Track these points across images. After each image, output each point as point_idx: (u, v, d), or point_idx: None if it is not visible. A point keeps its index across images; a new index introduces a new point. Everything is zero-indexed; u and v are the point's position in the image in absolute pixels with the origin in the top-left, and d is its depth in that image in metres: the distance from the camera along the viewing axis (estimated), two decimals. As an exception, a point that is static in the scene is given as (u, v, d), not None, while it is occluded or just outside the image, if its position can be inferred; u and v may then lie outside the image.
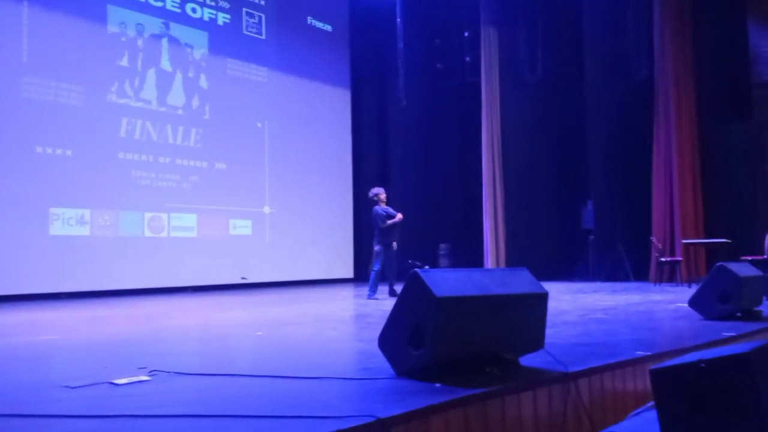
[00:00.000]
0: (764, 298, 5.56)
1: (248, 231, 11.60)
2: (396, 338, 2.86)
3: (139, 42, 10.29)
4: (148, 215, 10.22)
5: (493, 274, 3.02)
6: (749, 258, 8.20)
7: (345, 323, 5.75)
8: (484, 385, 2.61)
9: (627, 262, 10.86)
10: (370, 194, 8.65)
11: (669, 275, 10.28)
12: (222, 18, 11.47)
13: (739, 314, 4.96)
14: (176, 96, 10.71)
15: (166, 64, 10.61)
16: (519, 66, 12.37)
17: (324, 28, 13.26)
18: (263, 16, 12.12)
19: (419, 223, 12.75)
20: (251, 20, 11.92)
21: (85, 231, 9.48)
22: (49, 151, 9.15)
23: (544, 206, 12.07)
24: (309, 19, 12.98)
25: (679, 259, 10.01)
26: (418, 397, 2.43)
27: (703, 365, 2.26)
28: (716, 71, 10.70)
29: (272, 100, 12.09)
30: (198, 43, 11.07)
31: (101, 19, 9.83)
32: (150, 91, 10.37)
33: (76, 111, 9.43)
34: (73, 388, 2.75)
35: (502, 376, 2.80)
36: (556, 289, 9.17)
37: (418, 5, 13.25)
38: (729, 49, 10.58)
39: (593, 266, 11.44)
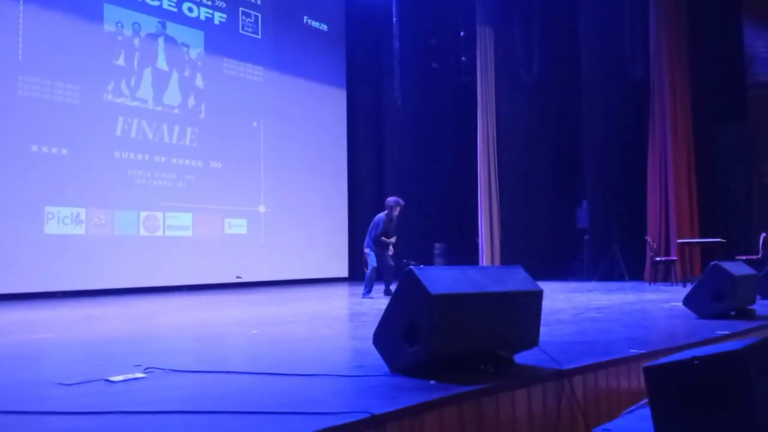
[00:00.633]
0: (758, 296, 5.58)
1: (243, 230, 11.60)
2: (391, 335, 2.87)
3: (136, 41, 10.27)
4: (143, 214, 10.21)
5: (488, 271, 3.03)
6: (744, 257, 8.24)
7: (340, 321, 5.76)
8: (478, 382, 2.62)
9: (622, 261, 10.88)
10: (387, 201, 8.64)
11: (664, 275, 10.30)
12: (218, 17, 11.46)
13: (733, 313, 4.99)
14: (172, 95, 10.70)
15: (162, 63, 10.60)
16: (515, 66, 12.39)
17: (320, 27, 13.26)
18: (259, 15, 12.12)
19: (415, 223, 12.77)
20: (247, 20, 11.92)
21: (80, 230, 9.47)
22: (45, 149, 9.13)
23: (539, 206, 12.10)
24: (305, 19, 12.98)
25: (674, 258, 10.04)
26: (412, 393, 2.44)
27: (696, 362, 2.28)
28: (712, 72, 10.74)
29: (268, 99, 12.09)
30: (194, 43, 11.06)
31: (98, 17, 9.81)
32: (146, 90, 10.36)
33: (71, 110, 9.42)
34: (68, 385, 2.75)
35: (496, 373, 2.81)
36: (551, 288, 9.20)
37: (414, 5, 13.27)
38: (724, 50, 10.62)
39: (588, 266, 11.47)
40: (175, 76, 10.75)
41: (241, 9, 11.82)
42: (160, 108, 10.50)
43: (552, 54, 12.25)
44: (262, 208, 11.90)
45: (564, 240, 11.98)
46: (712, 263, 5.14)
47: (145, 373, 3.00)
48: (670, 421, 2.26)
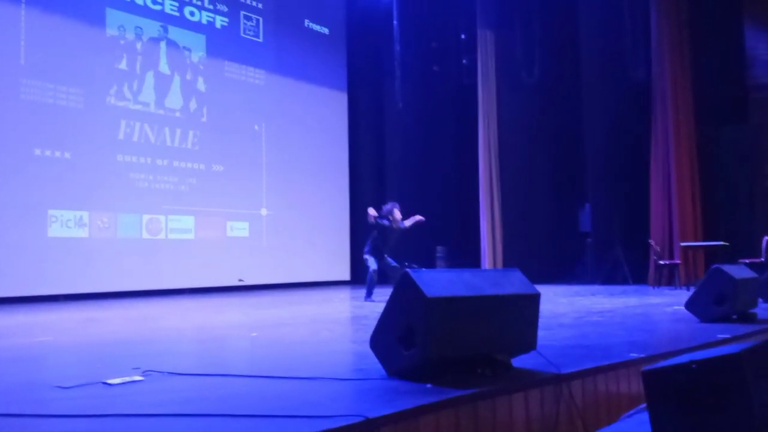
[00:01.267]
0: (760, 300, 5.56)
1: (245, 233, 11.60)
2: (387, 339, 2.86)
3: (138, 45, 10.30)
4: (146, 217, 10.22)
5: (485, 274, 3.03)
6: (747, 261, 8.21)
7: (340, 325, 5.75)
8: (475, 385, 2.61)
9: (625, 265, 10.85)
10: (384, 208, 8.68)
11: (668, 278, 10.28)
12: (220, 21, 11.49)
13: (734, 316, 4.97)
14: (174, 98, 10.72)
15: (164, 66, 10.63)
16: (516, 69, 12.38)
17: (321, 31, 13.28)
18: (261, 19, 12.15)
19: (416, 226, 12.75)
20: (249, 23, 11.94)
21: (83, 233, 9.48)
22: (48, 153, 9.15)
23: (541, 209, 12.08)
24: (306, 22, 13.00)
25: (678, 262, 10.01)
26: (408, 397, 2.43)
27: (694, 366, 2.27)
28: (713, 74, 10.73)
29: (269, 102, 12.11)
30: (196, 46, 11.09)
31: (100, 22, 9.84)
32: (148, 94, 10.38)
33: (74, 113, 9.44)
34: (65, 388, 2.75)
35: (493, 377, 2.80)
36: (553, 292, 9.18)
37: (415, 8, 13.28)
38: (726, 52, 10.60)
39: (591, 269, 11.44)
40: (176, 79, 10.77)
41: (242, 13, 11.85)
42: (162, 111, 10.52)
43: (553, 56, 12.25)
44: (264, 211, 11.90)
45: (566, 243, 11.96)
46: (713, 266, 5.12)
47: (143, 375, 3.00)
48: (669, 425, 2.25)
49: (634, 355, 3.41)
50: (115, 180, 9.83)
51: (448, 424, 2.40)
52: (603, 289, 9.96)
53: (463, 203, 13.09)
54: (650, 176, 10.70)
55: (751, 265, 6.25)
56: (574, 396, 2.94)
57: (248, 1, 11.95)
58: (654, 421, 2.29)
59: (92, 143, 9.59)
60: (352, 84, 13.79)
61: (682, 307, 5.50)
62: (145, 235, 10.19)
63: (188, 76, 10.93)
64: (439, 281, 2.77)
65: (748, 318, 5.06)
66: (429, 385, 2.63)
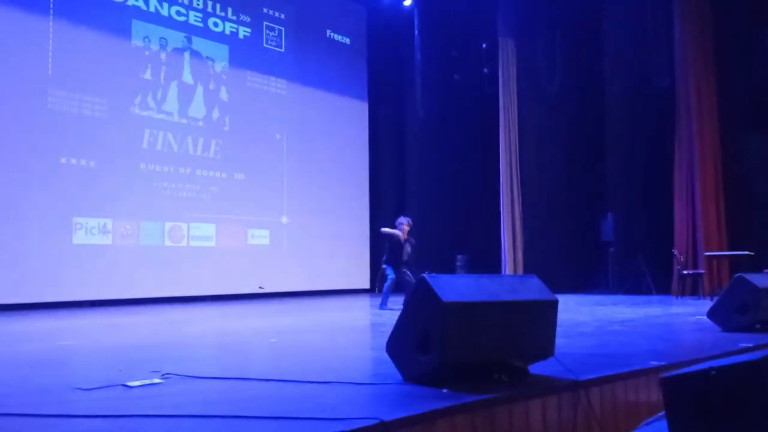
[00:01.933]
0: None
1: (266, 241, 11.68)
2: (404, 344, 2.87)
3: (162, 55, 10.47)
4: (168, 225, 10.35)
5: (502, 280, 3.02)
6: (772, 270, 8.06)
7: (358, 331, 5.76)
8: (491, 391, 2.60)
9: (648, 274, 10.71)
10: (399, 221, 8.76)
11: (691, 288, 10.12)
12: (243, 32, 11.64)
13: (757, 326, 4.88)
14: (197, 108, 10.87)
15: (187, 76, 10.78)
16: (537, 77, 12.33)
17: (342, 41, 13.38)
18: (283, 29, 12.28)
19: (436, 235, 12.75)
20: (271, 33, 12.08)
21: (107, 240, 9.63)
22: (74, 161, 9.32)
23: (562, 218, 11.98)
24: (328, 32, 13.11)
25: (702, 271, 9.86)
26: (424, 401, 2.44)
27: (713, 373, 2.24)
28: (738, 81, 10.57)
29: (291, 112, 12.21)
30: (219, 56, 11.24)
31: (126, 33, 10.03)
32: (172, 104, 10.53)
33: (99, 123, 9.61)
34: (86, 390, 2.80)
35: (510, 383, 2.79)
36: (574, 301, 9.10)
37: (436, 18, 13.32)
38: (750, 59, 10.45)
39: (613, 279, 11.31)
40: (200, 89, 10.92)
41: (265, 23, 11.99)
42: (185, 121, 10.67)
43: (575, 65, 12.18)
44: (284, 219, 11.98)
45: (588, 253, 11.84)
46: (736, 275, 5.05)
47: (162, 378, 3.04)
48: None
49: (654, 363, 3.37)
50: (138, 188, 9.97)
51: (464, 429, 2.40)
52: (625, 299, 9.84)
53: (484, 212, 13.05)
54: (674, 185, 10.57)
55: (776, 275, 6.13)
56: (592, 403, 2.91)
57: (271, 12, 12.10)
58: (672, 429, 2.26)
59: (116, 152, 9.75)
60: (373, 93, 13.86)
61: (705, 317, 5.42)
62: (168, 243, 10.31)
63: (211, 86, 11.07)
64: (455, 286, 2.77)
65: (772, 327, 4.96)
66: (445, 390, 2.62)
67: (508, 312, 2.81)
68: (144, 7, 10.25)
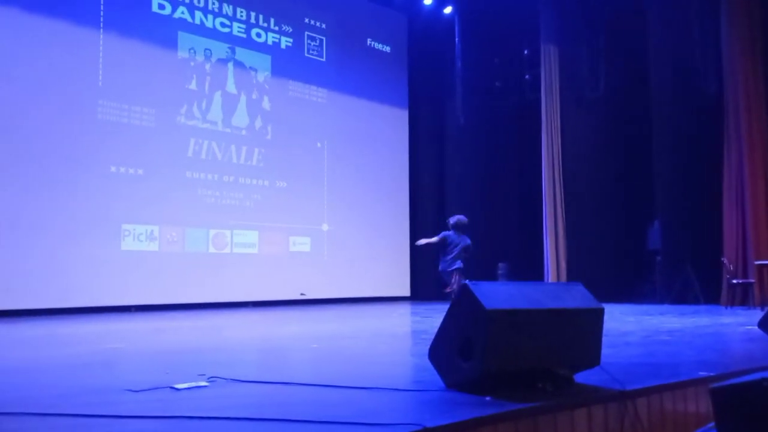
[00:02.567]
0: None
1: (307, 248, 11.80)
2: (446, 350, 2.86)
3: (207, 66, 10.71)
4: (212, 232, 10.55)
5: (546, 288, 2.99)
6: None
7: (399, 338, 5.76)
8: (535, 399, 2.57)
9: (697, 284, 10.42)
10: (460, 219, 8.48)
11: (741, 298, 9.80)
12: (285, 42, 11.82)
13: (814, 337, 4.71)
14: (240, 117, 11.07)
15: (231, 87, 11.00)
16: (580, 83, 12.17)
17: (383, 49, 13.46)
18: (324, 39, 12.42)
19: (477, 243, 12.62)
20: (312, 43, 12.23)
21: (154, 247, 9.86)
22: (123, 170, 9.59)
23: (608, 225, 11.75)
24: (368, 41, 13.21)
25: (752, 281, 9.55)
26: (466, 408, 2.42)
27: (765, 384, 2.18)
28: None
29: (331, 120, 12.33)
30: (262, 66, 11.43)
31: (172, 45, 10.29)
32: (216, 113, 10.75)
33: (147, 132, 9.88)
34: (135, 391, 2.87)
35: (554, 391, 2.75)
36: (620, 311, 8.92)
37: (477, 25, 13.29)
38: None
39: (661, 288, 11.03)
40: (243, 99, 11.12)
41: (306, 33, 12.16)
42: (228, 130, 10.88)
43: (619, 70, 11.98)
44: (325, 227, 12.08)
45: (634, 261, 11.59)
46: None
47: (208, 381, 3.09)
48: (738, 444, 2.17)
49: (703, 373, 3.28)
50: (183, 196, 10.20)
51: (507, 437, 2.37)
52: (672, 308, 9.60)
53: (526, 219, 12.92)
54: (723, 191, 10.27)
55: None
56: (639, 414, 2.85)
57: (312, 22, 12.26)
58: (723, 441, 2.20)
59: (163, 160, 9.99)
60: (413, 101, 13.89)
61: (756, 327, 5.24)
62: (212, 249, 10.50)
63: (254, 96, 11.27)
64: (498, 293, 2.75)
65: (829, 339, 4.78)
66: (488, 398, 2.60)
67: (551, 320, 2.78)
68: (189, 19, 10.51)
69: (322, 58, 12.37)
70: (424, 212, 13.59)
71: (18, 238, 8.46)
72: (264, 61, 11.49)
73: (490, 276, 12.28)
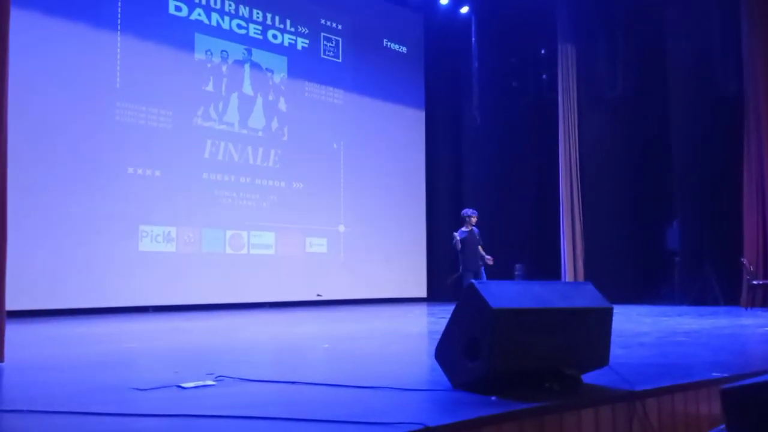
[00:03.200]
0: None
1: (324, 249, 11.82)
2: (452, 350, 2.84)
3: (224, 68, 10.78)
4: (229, 233, 10.61)
5: (555, 287, 2.96)
6: None
7: (412, 339, 5.75)
8: (542, 399, 2.55)
9: (716, 285, 10.27)
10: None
11: (762, 299, 9.64)
12: (301, 43, 11.86)
13: (834, 339, 4.61)
14: (257, 119, 11.13)
15: (248, 88, 11.06)
16: (598, 82, 12.06)
17: (399, 50, 13.45)
18: (340, 40, 12.45)
19: (494, 243, 12.54)
20: (329, 44, 12.26)
21: (171, 247, 9.95)
22: (140, 171, 9.69)
23: (625, 226, 11.62)
24: (385, 42, 13.21)
25: (773, 282, 9.39)
26: (470, 408, 2.41)
27: (776, 385, 2.14)
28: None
29: (348, 121, 12.35)
30: (278, 68, 11.48)
31: (189, 46, 10.38)
32: (233, 115, 10.82)
33: (164, 134, 9.97)
34: (142, 390, 2.89)
35: (562, 391, 2.72)
36: (637, 312, 8.81)
37: (494, 24, 13.22)
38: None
39: (679, 289, 10.88)
40: (259, 100, 11.18)
41: (323, 34, 12.19)
42: (245, 131, 10.94)
43: (637, 69, 11.85)
44: (341, 228, 12.10)
45: (652, 262, 11.45)
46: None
47: (215, 380, 3.11)
48: (748, 446, 2.13)
49: (716, 374, 3.23)
50: (200, 197, 10.27)
51: (512, 438, 2.35)
52: (691, 310, 9.47)
53: (543, 220, 12.82)
54: (743, 191, 10.11)
55: None
56: (649, 415, 2.81)
57: (328, 23, 12.29)
58: (733, 443, 2.16)
59: (180, 162, 10.08)
60: (430, 101, 13.87)
61: (776, 329, 5.16)
62: (228, 250, 10.57)
63: (270, 97, 11.32)
64: (505, 293, 2.73)
65: None
66: (494, 398, 2.59)
67: (559, 319, 2.75)
68: (206, 21, 10.59)
69: (339, 59, 12.40)
70: (441, 213, 13.55)
71: (36, 238, 8.58)
72: (280, 62, 11.54)
73: (507, 277, 12.21)
